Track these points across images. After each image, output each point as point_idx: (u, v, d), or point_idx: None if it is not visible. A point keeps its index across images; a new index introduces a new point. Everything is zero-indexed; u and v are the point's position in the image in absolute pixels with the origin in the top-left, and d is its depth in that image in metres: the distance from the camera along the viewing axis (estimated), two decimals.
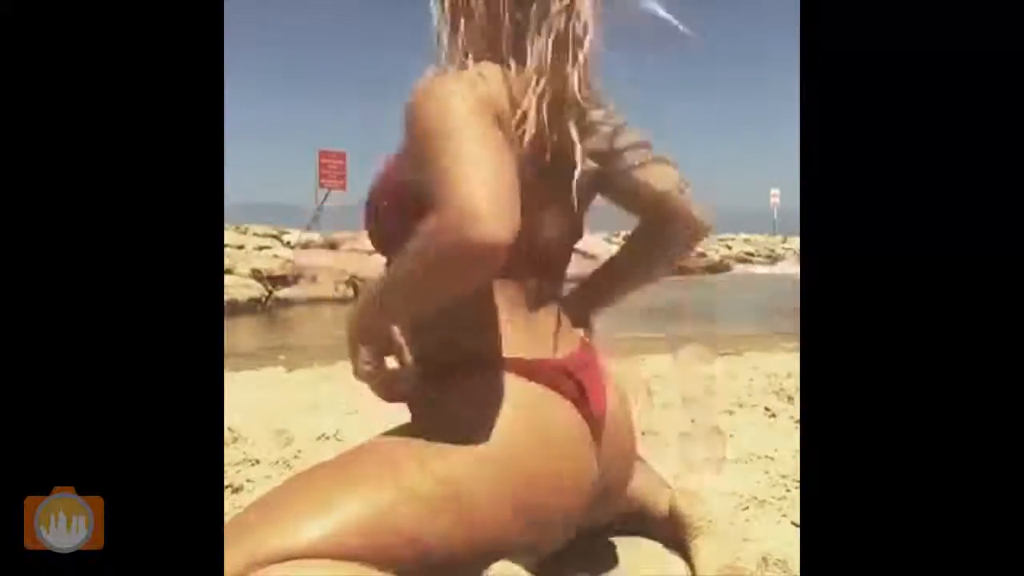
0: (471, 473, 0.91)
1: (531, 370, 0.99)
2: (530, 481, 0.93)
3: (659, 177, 1.15)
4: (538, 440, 0.95)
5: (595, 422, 1.02)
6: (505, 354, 1.00)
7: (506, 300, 1.01)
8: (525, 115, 0.96)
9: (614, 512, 1.16)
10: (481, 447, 0.92)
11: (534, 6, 0.99)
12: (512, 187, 0.83)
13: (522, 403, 0.96)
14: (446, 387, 0.99)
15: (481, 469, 0.91)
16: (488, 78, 0.94)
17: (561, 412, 0.99)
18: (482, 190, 0.79)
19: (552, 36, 0.98)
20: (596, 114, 1.08)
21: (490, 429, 0.93)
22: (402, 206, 0.98)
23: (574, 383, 1.00)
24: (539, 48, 0.98)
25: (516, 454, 0.93)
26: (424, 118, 0.88)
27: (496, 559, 0.92)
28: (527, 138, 0.96)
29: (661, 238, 1.22)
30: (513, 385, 0.97)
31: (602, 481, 1.05)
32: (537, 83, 0.97)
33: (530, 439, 0.94)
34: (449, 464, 0.91)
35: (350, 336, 0.97)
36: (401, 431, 1.02)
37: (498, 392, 0.97)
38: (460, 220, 0.78)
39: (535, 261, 1.02)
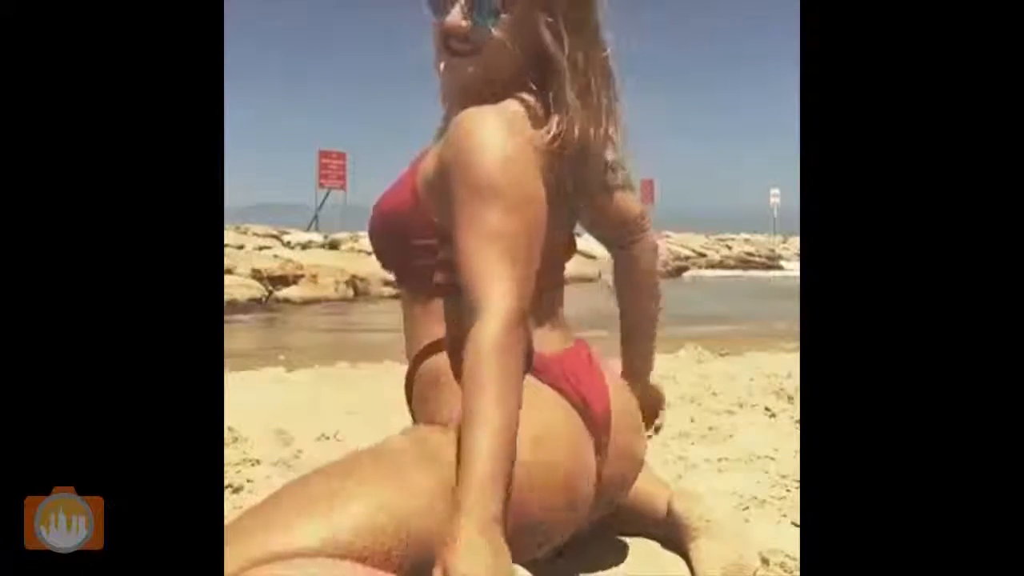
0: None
1: (534, 364, 0.99)
2: (530, 482, 0.93)
3: (631, 202, 1.21)
4: (539, 441, 0.94)
5: (596, 422, 1.02)
6: None
7: None
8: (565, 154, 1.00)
9: (611, 510, 1.16)
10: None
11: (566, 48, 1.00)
12: (533, 277, 0.92)
13: (525, 402, 0.96)
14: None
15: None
16: (524, 118, 0.98)
17: (562, 412, 0.98)
18: (520, 301, 0.88)
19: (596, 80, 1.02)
20: None
21: None
22: (408, 230, 1.00)
23: (571, 385, 1.00)
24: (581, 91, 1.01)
25: (517, 455, 0.92)
26: (482, 174, 0.92)
27: None
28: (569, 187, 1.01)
29: (639, 263, 1.28)
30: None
31: (601, 483, 1.05)
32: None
33: (532, 441, 0.94)
34: (450, 464, 0.91)
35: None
36: (402, 434, 1.02)
37: None
38: (512, 326, 0.86)
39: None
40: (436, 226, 1.00)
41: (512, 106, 0.99)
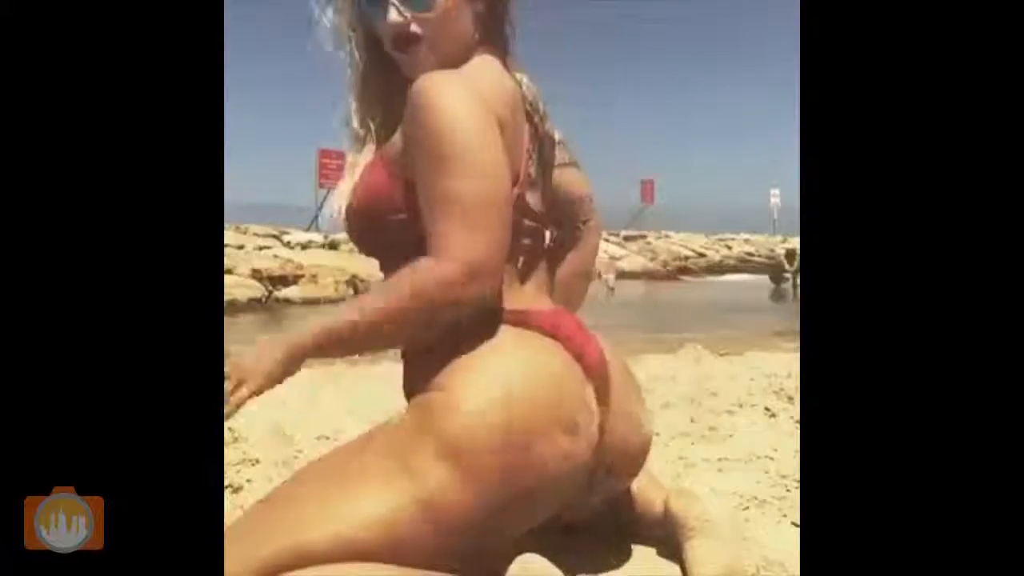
0: (476, 441, 0.90)
1: (524, 320, 1.00)
2: (530, 436, 0.92)
3: (580, 179, 1.24)
4: (539, 392, 0.94)
5: (593, 372, 1.01)
6: (503, 306, 1.00)
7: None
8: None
9: (617, 484, 1.15)
10: (483, 407, 0.91)
11: None
12: (506, 241, 0.94)
13: (526, 347, 0.97)
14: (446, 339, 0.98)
15: (486, 436, 0.90)
16: (487, 78, 1.01)
17: (559, 359, 0.99)
18: (486, 250, 0.90)
19: None
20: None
21: (489, 384, 0.92)
22: (387, 207, 1.00)
23: (564, 334, 1.01)
24: None
25: (520, 411, 0.91)
26: (439, 128, 0.93)
27: (511, 527, 0.93)
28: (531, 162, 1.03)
29: (588, 243, 1.33)
30: (510, 333, 0.98)
31: (603, 440, 1.03)
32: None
33: (533, 393, 0.93)
34: (453, 436, 0.90)
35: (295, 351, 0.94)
36: (398, 416, 1.01)
37: (496, 341, 0.97)
38: (462, 277, 0.89)
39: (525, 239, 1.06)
40: (409, 200, 1.00)
41: (472, 68, 1.02)
